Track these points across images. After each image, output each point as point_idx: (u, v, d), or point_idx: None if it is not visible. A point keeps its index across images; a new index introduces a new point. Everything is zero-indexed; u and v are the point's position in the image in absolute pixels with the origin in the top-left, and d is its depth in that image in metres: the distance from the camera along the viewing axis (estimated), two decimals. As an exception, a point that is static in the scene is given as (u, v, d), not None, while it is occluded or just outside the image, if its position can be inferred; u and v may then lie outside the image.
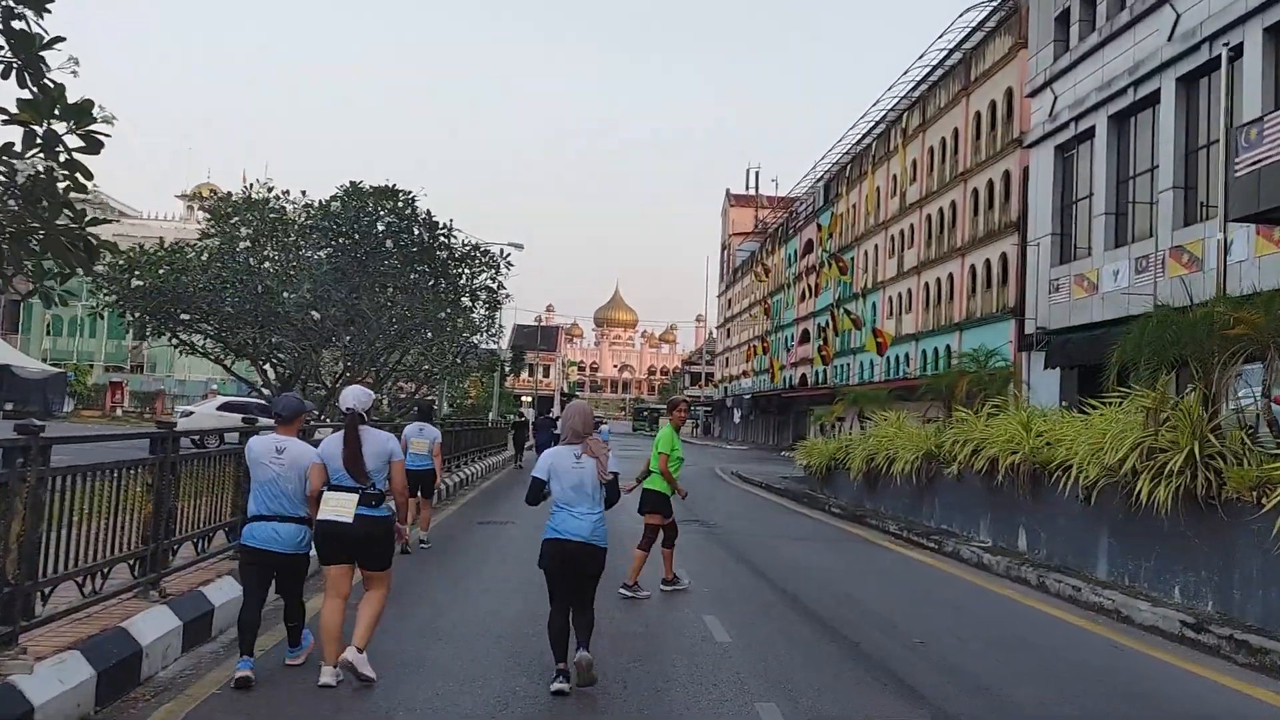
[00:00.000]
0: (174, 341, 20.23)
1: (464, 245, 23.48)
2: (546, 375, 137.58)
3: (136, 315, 18.96)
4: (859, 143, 59.81)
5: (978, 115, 41.08)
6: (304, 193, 20.90)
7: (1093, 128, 27.61)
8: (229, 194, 20.13)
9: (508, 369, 79.47)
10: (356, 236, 20.43)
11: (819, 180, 70.36)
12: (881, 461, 17.84)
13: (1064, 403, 21.67)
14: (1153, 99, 24.87)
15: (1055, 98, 29.80)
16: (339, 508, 6.60)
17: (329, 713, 6.29)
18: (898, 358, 48.72)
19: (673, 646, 8.53)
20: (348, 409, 6.83)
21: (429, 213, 21.85)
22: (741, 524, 18.02)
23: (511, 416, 64.99)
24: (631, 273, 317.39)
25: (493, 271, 24.31)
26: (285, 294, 19.05)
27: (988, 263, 39.18)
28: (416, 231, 21.78)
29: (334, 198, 20.51)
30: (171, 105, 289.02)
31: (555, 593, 7.02)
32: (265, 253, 19.70)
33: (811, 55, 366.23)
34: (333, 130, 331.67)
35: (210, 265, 19.03)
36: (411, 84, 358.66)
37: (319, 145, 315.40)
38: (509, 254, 23.96)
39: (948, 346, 43.04)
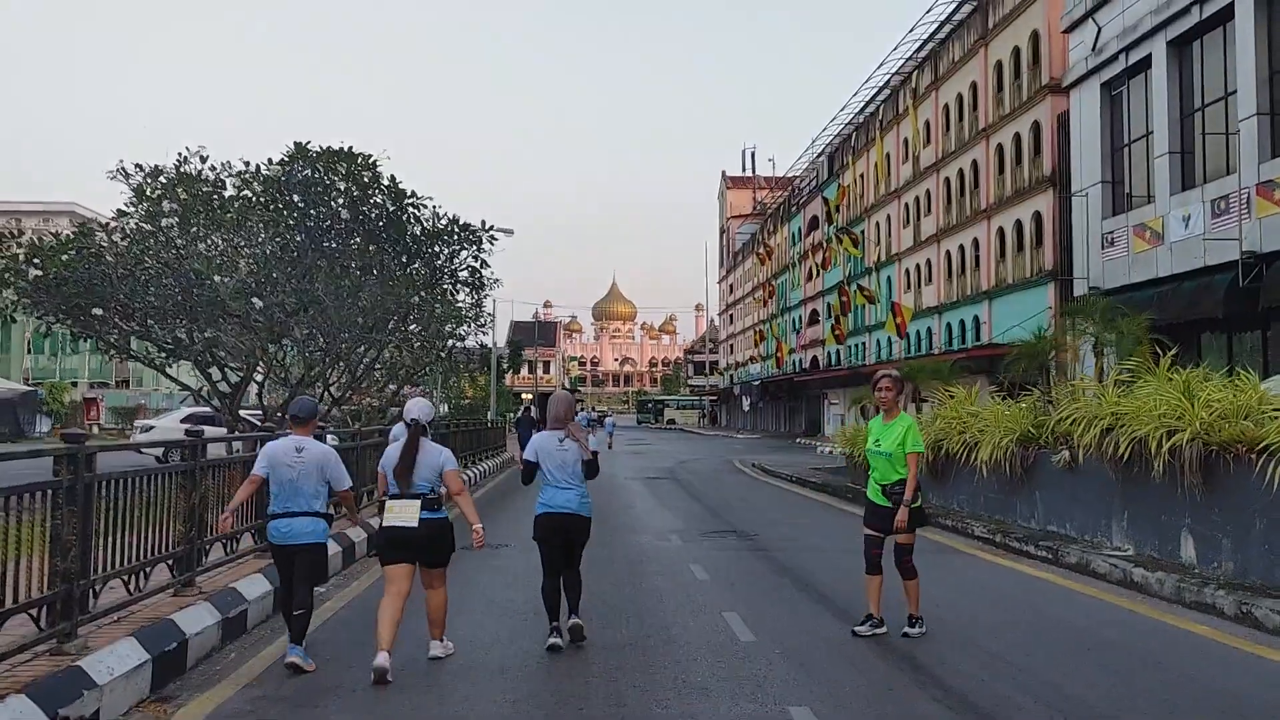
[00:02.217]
0: (98, 345, 16.90)
1: (438, 218, 20.12)
2: (547, 371, 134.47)
3: (40, 316, 15.67)
4: (863, 110, 56.44)
5: (998, 65, 37.79)
6: (247, 163, 17.60)
7: (1148, 57, 24.33)
8: (156, 167, 16.73)
9: (505, 365, 76.43)
10: (304, 206, 17.12)
11: (820, 155, 67.04)
12: (956, 448, 14.59)
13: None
14: (1224, 15, 21.59)
15: (1099, 29, 26.51)
16: (404, 514, 7.10)
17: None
18: (919, 333, 45.45)
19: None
20: (411, 419, 7.31)
21: (393, 179, 18.55)
22: (786, 532, 14.80)
23: (511, 415, 62.12)
24: (628, 264, 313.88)
25: (474, 249, 20.98)
26: (219, 279, 15.75)
27: (1018, 224, 35.91)
28: (380, 200, 18.45)
29: (278, 163, 17.23)
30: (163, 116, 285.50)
31: (548, 560, 7.85)
32: (194, 230, 16.36)
33: (806, 33, 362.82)
34: (305, 127, 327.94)
35: (131, 249, 15.80)
36: (396, 71, 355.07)
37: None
38: (492, 227, 20.63)
39: (975, 318, 39.83)
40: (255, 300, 15.94)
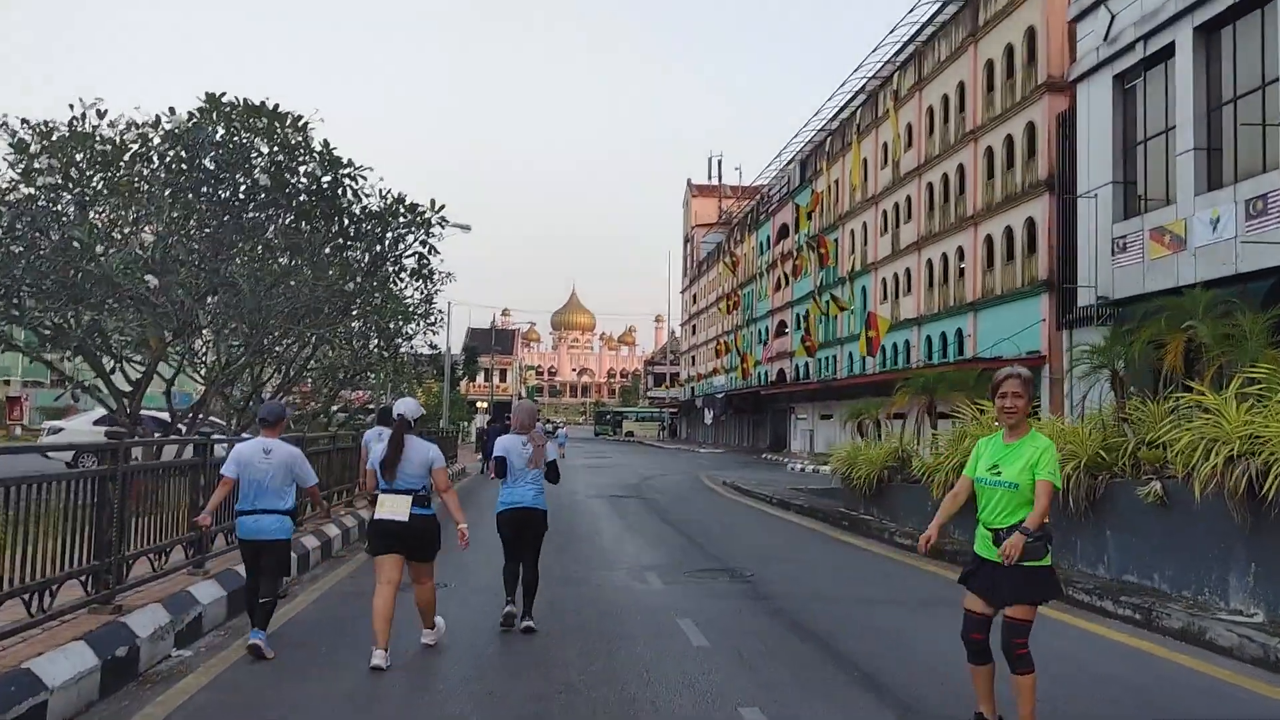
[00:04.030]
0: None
1: (381, 195, 17.43)
2: (503, 380, 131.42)
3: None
4: (838, 115, 54.34)
5: (989, 64, 35.69)
6: (162, 113, 14.72)
7: (1170, 45, 22.21)
8: (46, 123, 13.90)
9: (460, 372, 73.37)
10: (216, 171, 14.32)
11: (790, 162, 64.91)
12: (989, 473, 12.20)
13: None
14: (1263, -5, 19.51)
15: (1112, 17, 24.37)
16: (395, 508, 7.42)
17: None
18: (895, 346, 43.26)
19: None
20: (398, 415, 7.64)
21: (326, 144, 15.81)
22: (786, 572, 12.24)
23: (465, 424, 59.31)
24: (589, 274, 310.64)
25: (423, 233, 18.28)
26: (103, 250, 12.95)
27: (1009, 231, 33.78)
28: (310, 169, 15.71)
29: (188, 118, 14.45)
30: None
31: (509, 548, 8.68)
32: (86, 196, 13.54)
33: (776, 42, 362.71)
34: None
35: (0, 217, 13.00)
36: (343, 68, 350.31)
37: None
38: (443, 207, 17.95)
39: (958, 330, 37.68)
40: (149, 278, 13.17)
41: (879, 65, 47.07)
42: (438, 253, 18.62)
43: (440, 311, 27.15)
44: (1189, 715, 6.44)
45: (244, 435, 12.36)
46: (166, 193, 13.89)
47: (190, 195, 14.27)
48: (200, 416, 17.23)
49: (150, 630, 7.12)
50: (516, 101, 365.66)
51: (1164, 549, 9.14)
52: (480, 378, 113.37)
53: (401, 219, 18.26)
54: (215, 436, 10.35)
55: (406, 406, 7.74)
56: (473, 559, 11.03)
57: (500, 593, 8.76)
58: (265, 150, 15.12)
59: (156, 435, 15.28)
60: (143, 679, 6.81)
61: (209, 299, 14.10)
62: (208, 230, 14.74)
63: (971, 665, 5.79)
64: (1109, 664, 7.60)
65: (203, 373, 17.64)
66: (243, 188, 15.08)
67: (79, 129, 14.29)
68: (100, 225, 13.52)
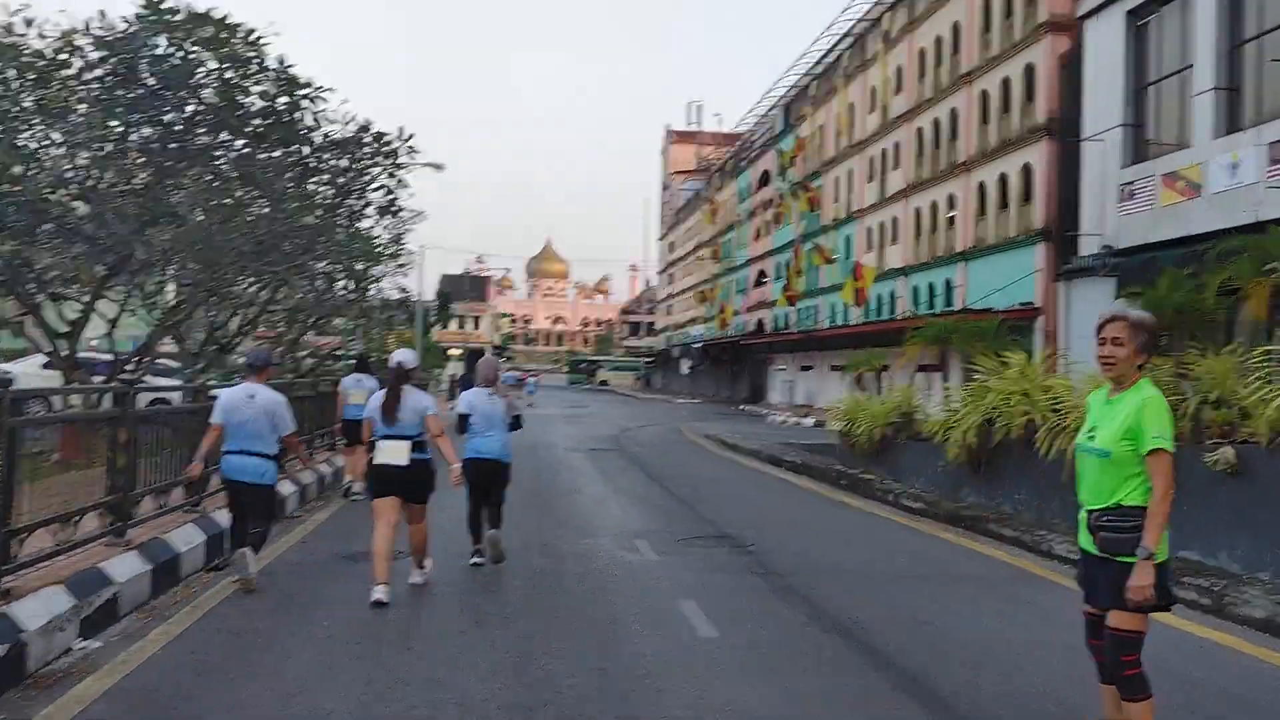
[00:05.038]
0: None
1: (343, 123, 15.94)
2: (477, 327, 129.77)
3: None
4: (823, 60, 52.72)
5: (986, 3, 34.23)
6: (91, 18, 13.12)
7: (1190, -23, 20.88)
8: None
9: (433, 318, 71.66)
10: (158, 88, 12.79)
11: (773, 108, 63.27)
12: (1016, 431, 11.02)
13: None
14: (1296, -79, 18.20)
15: (1126, -51, 22.99)
16: (394, 454, 7.76)
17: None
18: (880, 297, 42.08)
19: None
20: (396, 363, 8.00)
21: (283, 63, 14.26)
22: (792, 541, 11.03)
23: (438, 371, 58.12)
24: (564, 222, 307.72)
25: (391, 164, 16.83)
26: (21, 171, 11.45)
27: (1003, 178, 32.54)
28: (265, 90, 14.18)
29: (126, 27, 12.87)
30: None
31: (474, 495, 9.05)
32: (13, 112, 12.01)
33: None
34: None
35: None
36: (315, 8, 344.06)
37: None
38: (411, 136, 16.49)
39: (947, 281, 36.53)
40: (77, 204, 11.71)
41: (868, 6, 45.49)
42: (406, 186, 17.22)
43: (411, 252, 25.79)
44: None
45: (210, 382, 11.80)
46: (101, 112, 12.35)
47: (129, 115, 12.74)
48: (147, 360, 15.84)
49: (43, 620, 5.85)
50: (490, 45, 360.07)
51: (1235, 524, 8.00)
52: (454, 324, 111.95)
53: (367, 149, 16.82)
54: (140, 385, 9.11)
55: (405, 356, 8.10)
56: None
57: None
58: (213, 66, 13.56)
59: (95, 380, 13.90)
60: (32, 681, 5.54)
61: (148, 230, 12.60)
62: (148, 155, 13.25)
63: (1102, 684, 4.65)
64: (1189, 666, 6.46)
65: (154, 314, 16.23)
66: (189, 108, 13.54)
67: (2, 40, 12.73)
68: (30, 148, 12.00)
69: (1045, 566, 9.56)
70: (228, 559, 8.25)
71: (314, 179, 16.66)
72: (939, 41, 37.91)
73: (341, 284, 22.35)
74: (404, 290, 27.43)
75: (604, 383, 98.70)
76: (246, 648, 6.34)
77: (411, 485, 7.85)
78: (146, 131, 13.04)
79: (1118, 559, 4.33)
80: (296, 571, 8.71)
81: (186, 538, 8.50)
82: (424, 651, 6.34)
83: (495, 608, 7.55)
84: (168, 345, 18.96)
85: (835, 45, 50.49)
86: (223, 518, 8.91)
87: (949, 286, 36.34)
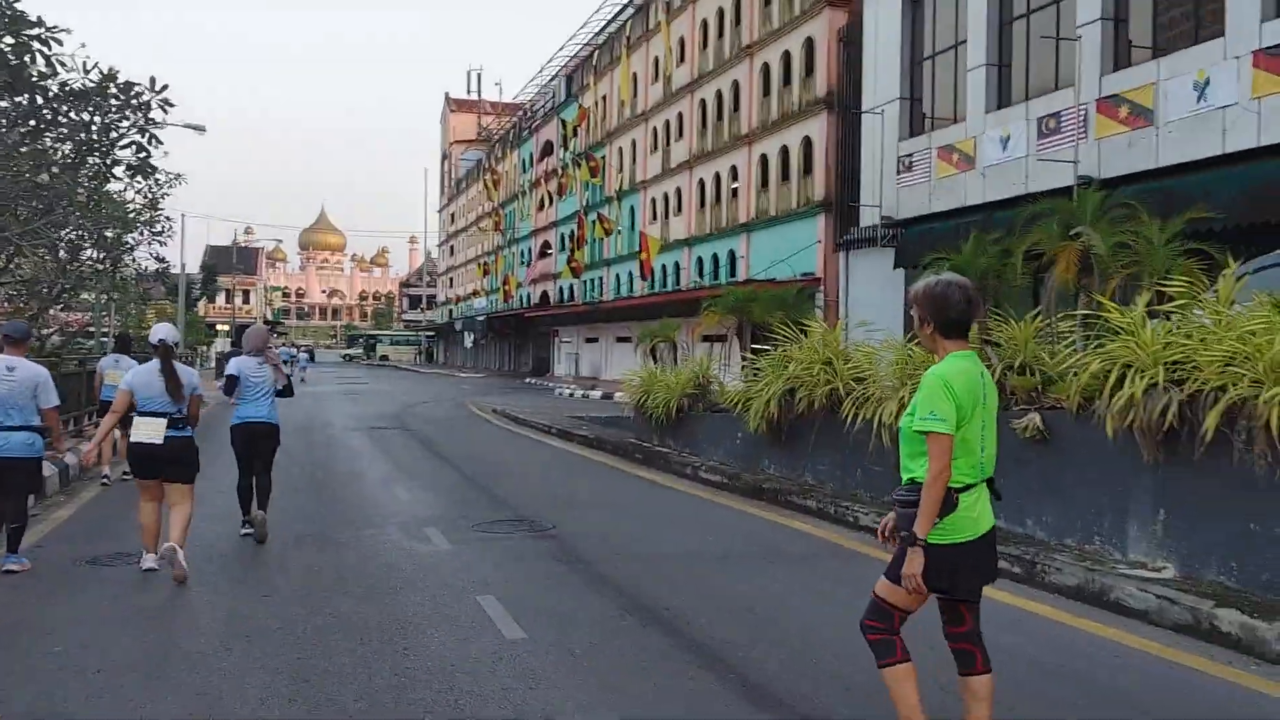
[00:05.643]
0: None
1: (84, 70, 14.16)
2: (247, 301, 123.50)
3: None
4: (605, 28, 52.32)
5: (766, -24, 34.57)
6: None
7: (963, -45, 21.49)
8: None
9: (198, 292, 67.32)
10: None
11: (554, 78, 62.50)
12: (817, 399, 10.80)
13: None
14: (1064, -96, 18.91)
15: (902, -75, 23.50)
16: (151, 431, 7.48)
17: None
18: (665, 267, 42.19)
19: None
20: (159, 340, 7.73)
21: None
22: (594, 520, 10.43)
23: (216, 348, 54.77)
24: (340, 192, 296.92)
25: (141, 118, 15.12)
26: None
27: (784, 150, 33.01)
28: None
29: None
30: None
31: (243, 463, 9.10)
32: None
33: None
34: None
35: None
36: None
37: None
38: (165, 87, 14.84)
39: (730, 252, 36.89)
40: None
41: (651, -25, 45.30)
42: (160, 143, 15.50)
43: (169, 220, 23.70)
44: (1176, 715, 5.10)
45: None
46: None
47: None
48: None
49: None
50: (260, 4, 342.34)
51: (1042, 491, 7.94)
52: (221, 299, 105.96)
53: (114, 101, 15.03)
54: None
55: (166, 332, 7.87)
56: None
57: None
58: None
59: None
60: None
61: None
62: None
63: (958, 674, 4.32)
64: (1003, 633, 6.24)
65: None
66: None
67: None
68: None
69: (855, 539, 9.33)
70: None
71: (50, 133, 14.76)
72: (721, 13, 38.08)
73: (89, 253, 20.21)
74: (163, 261, 25.12)
75: (384, 358, 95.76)
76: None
77: (171, 465, 7.60)
78: None
79: (900, 535, 4.00)
80: (25, 583, 7.43)
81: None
82: (180, 681, 5.33)
83: (266, 618, 6.56)
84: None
85: (618, 14, 50.15)
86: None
87: (733, 257, 36.71)
